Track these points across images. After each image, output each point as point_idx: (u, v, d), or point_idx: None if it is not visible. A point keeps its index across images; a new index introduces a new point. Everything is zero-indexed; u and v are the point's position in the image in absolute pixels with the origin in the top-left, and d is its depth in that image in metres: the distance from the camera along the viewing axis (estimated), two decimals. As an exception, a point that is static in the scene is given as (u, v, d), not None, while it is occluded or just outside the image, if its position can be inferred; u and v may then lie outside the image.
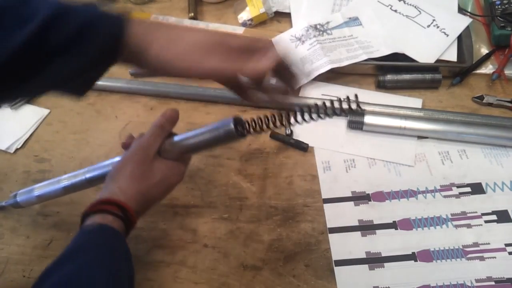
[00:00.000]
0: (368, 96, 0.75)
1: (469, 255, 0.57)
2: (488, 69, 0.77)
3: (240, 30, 0.87)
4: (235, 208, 0.63)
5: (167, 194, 0.51)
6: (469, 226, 0.60)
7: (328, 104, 0.49)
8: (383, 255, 0.58)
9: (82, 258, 0.39)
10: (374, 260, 0.57)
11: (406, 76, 0.75)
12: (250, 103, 0.71)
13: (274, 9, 0.88)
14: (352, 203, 0.63)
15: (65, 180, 0.57)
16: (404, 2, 0.83)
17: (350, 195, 0.64)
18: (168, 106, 0.76)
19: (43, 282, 0.37)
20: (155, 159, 0.50)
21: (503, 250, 0.57)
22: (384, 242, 0.59)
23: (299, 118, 0.50)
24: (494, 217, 0.60)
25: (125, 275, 0.42)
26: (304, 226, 0.61)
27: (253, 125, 0.49)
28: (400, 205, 0.62)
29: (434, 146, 0.68)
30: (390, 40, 0.78)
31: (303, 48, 0.79)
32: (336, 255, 0.58)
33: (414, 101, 0.74)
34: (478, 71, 0.77)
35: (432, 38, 0.78)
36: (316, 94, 0.76)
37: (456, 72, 0.76)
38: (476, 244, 0.58)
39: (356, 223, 0.61)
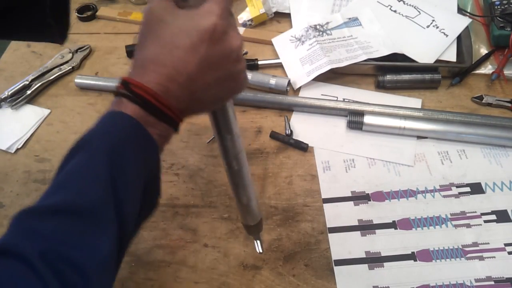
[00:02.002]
0: (368, 96, 0.75)
1: (469, 255, 0.57)
2: (487, 69, 0.77)
3: (240, 31, 0.87)
4: (235, 208, 0.63)
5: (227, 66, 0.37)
6: (468, 226, 0.60)
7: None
8: (382, 254, 0.58)
9: (87, 149, 0.34)
10: (374, 260, 0.57)
11: (406, 76, 0.75)
12: None
13: (274, 10, 0.88)
14: (351, 203, 0.63)
15: None
16: (404, 3, 0.83)
17: (349, 195, 0.64)
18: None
19: (63, 169, 0.34)
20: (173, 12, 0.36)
21: (503, 250, 0.57)
22: (384, 242, 0.59)
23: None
24: (493, 217, 0.60)
25: (136, 172, 0.35)
26: (304, 226, 0.61)
27: None
28: (400, 205, 0.62)
29: (434, 146, 0.68)
30: (389, 41, 0.78)
31: (303, 49, 0.80)
32: (335, 255, 0.58)
33: (413, 101, 0.74)
34: (477, 71, 0.77)
35: (432, 39, 0.78)
36: (315, 94, 0.76)
37: (456, 72, 0.76)
38: (475, 244, 0.58)
39: (356, 223, 0.61)
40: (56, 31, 0.42)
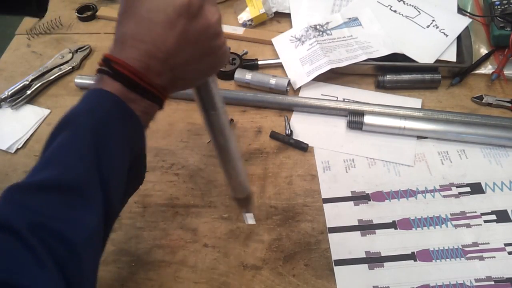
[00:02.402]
0: (368, 96, 0.75)
1: (469, 255, 0.57)
2: (487, 69, 0.77)
3: (240, 31, 0.87)
4: (235, 208, 0.63)
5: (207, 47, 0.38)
6: (468, 226, 0.60)
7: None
8: (382, 254, 0.58)
9: (71, 127, 0.35)
10: (374, 260, 0.57)
11: (406, 76, 0.75)
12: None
13: (274, 10, 0.88)
14: (351, 203, 0.63)
15: None
16: (404, 3, 0.83)
17: (349, 195, 0.64)
18: (167, 106, 0.76)
19: (48, 147, 0.35)
20: None
21: (503, 249, 0.57)
22: (384, 242, 0.59)
23: None
24: (493, 217, 0.60)
25: (120, 151, 0.36)
26: (304, 225, 0.61)
27: None
28: (400, 205, 0.62)
29: (434, 146, 0.68)
30: (389, 41, 0.78)
31: (303, 49, 0.80)
32: (335, 255, 0.58)
33: (413, 101, 0.74)
34: (477, 71, 0.77)
35: (432, 39, 0.78)
36: (315, 94, 0.76)
37: (456, 72, 0.76)
38: (475, 244, 0.58)
39: (356, 223, 0.61)
40: (35, 5, 0.41)
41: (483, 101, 0.73)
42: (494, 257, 0.57)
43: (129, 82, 0.35)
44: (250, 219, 0.57)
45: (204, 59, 0.38)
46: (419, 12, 0.82)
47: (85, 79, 0.80)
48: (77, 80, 0.80)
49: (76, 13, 0.93)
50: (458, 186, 0.64)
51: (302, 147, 0.69)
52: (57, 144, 0.34)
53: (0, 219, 0.29)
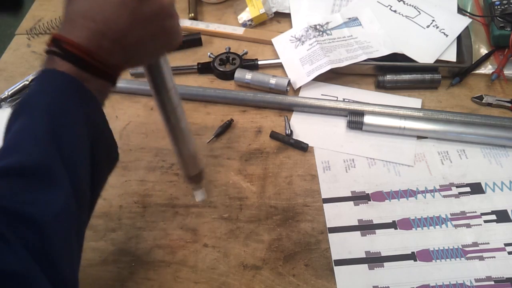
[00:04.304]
0: (368, 96, 0.75)
1: (469, 255, 0.57)
2: (487, 69, 0.77)
3: (240, 31, 0.87)
4: (235, 208, 0.63)
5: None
6: (468, 226, 0.60)
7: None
8: (382, 254, 0.58)
9: (27, 111, 0.36)
10: (374, 260, 0.57)
11: (406, 76, 0.75)
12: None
13: (274, 10, 0.88)
14: (351, 203, 0.63)
15: None
16: (404, 3, 0.83)
17: (349, 195, 0.64)
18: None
19: (7, 134, 0.35)
20: None
21: (503, 250, 0.57)
22: (384, 242, 0.59)
23: None
24: (493, 216, 0.60)
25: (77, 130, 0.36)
26: (304, 225, 0.61)
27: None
28: (400, 205, 0.62)
29: (434, 146, 0.68)
30: (389, 40, 0.78)
31: (303, 49, 0.80)
32: (335, 255, 0.58)
33: (413, 101, 0.74)
34: (477, 71, 0.77)
35: (432, 39, 0.78)
36: (315, 94, 0.76)
37: (456, 72, 0.76)
38: (475, 244, 0.58)
39: (356, 223, 0.61)
40: (8, 1, 0.40)
41: (483, 101, 0.73)
42: (494, 257, 0.57)
43: (81, 62, 0.35)
44: (201, 195, 0.58)
45: (156, 39, 0.39)
46: (419, 12, 0.82)
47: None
48: (77, 80, 0.80)
49: (76, 13, 0.93)
50: (458, 186, 0.64)
51: (302, 147, 0.69)
52: (15, 130, 0.34)
53: None
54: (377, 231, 0.60)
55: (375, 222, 0.61)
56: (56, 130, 0.34)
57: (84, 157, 0.36)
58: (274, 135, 0.71)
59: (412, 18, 0.81)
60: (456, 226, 0.60)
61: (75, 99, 0.35)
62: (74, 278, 0.35)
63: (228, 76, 0.79)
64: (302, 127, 0.72)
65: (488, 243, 0.58)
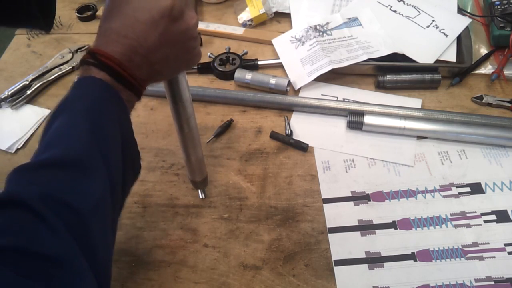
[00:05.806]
0: (368, 96, 0.75)
1: (469, 255, 0.57)
2: (487, 69, 0.77)
3: (240, 31, 0.87)
4: (235, 208, 0.63)
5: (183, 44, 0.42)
6: (468, 226, 0.60)
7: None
8: (382, 255, 0.58)
9: (68, 111, 0.37)
10: (374, 260, 0.57)
11: (406, 77, 0.75)
12: None
13: (274, 10, 0.88)
14: (351, 203, 0.63)
15: None
16: (404, 3, 0.83)
17: (349, 195, 0.64)
18: (168, 106, 0.76)
19: (47, 132, 0.37)
20: None
21: (503, 250, 0.57)
22: (384, 242, 0.59)
23: None
24: (493, 217, 0.60)
25: (112, 131, 0.38)
26: (304, 226, 0.61)
27: None
28: (400, 205, 0.62)
29: (434, 146, 0.68)
30: (389, 41, 0.78)
31: (303, 49, 0.80)
32: (335, 255, 0.58)
33: (413, 101, 0.74)
34: (477, 72, 0.77)
35: (432, 39, 0.78)
36: (315, 94, 0.76)
37: (456, 72, 0.76)
38: (475, 244, 0.58)
39: (356, 223, 0.61)
40: (42, 21, 0.44)
41: (483, 101, 0.73)
42: (494, 257, 0.57)
43: (114, 72, 0.38)
44: (201, 194, 0.64)
45: (180, 57, 0.43)
46: (419, 12, 0.82)
47: (85, 79, 0.80)
48: (77, 80, 0.80)
49: (76, 13, 0.93)
50: (458, 186, 0.64)
51: (302, 147, 0.69)
52: (56, 127, 0.36)
53: (12, 195, 0.31)
54: (377, 231, 0.60)
55: (375, 222, 0.61)
56: (95, 130, 0.36)
57: (119, 159, 0.39)
58: (274, 135, 0.71)
59: (412, 18, 0.81)
60: (456, 226, 0.60)
61: (112, 104, 0.38)
62: (109, 272, 0.37)
63: (228, 76, 0.79)
64: (302, 127, 0.72)
65: (488, 243, 0.58)
